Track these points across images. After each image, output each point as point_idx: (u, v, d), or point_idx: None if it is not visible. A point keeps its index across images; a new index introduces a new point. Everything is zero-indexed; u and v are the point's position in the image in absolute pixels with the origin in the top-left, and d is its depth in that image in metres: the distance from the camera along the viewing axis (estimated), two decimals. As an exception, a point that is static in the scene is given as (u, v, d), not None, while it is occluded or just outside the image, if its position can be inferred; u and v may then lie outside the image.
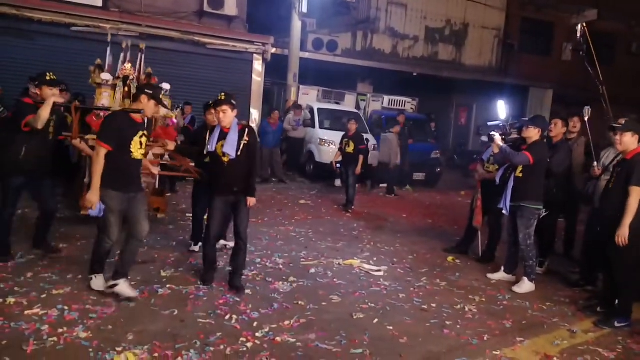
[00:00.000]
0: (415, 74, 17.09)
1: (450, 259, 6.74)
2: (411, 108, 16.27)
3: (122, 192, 4.38)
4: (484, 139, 6.82)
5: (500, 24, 19.13)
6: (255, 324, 4.24)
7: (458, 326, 4.60)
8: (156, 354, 3.61)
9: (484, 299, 5.38)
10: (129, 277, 4.62)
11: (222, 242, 6.07)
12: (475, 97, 19.12)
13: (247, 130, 4.90)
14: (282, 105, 14.26)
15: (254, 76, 13.51)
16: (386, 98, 16.14)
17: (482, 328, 4.61)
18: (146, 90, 4.53)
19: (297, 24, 13.18)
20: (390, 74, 16.55)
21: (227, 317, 4.31)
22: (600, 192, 5.32)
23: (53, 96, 5.01)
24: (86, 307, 4.25)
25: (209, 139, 5.00)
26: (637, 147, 4.81)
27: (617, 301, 4.97)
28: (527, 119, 6.42)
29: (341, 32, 16.53)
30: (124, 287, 4.46)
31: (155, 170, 5.54)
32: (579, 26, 7.01)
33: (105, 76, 6.70)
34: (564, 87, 18.12)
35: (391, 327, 4.42)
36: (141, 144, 4.49)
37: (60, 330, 3.80)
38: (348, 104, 15.44)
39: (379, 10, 17.48)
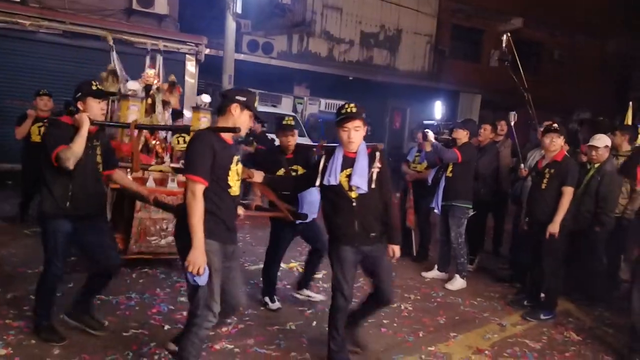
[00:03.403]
0: (351, 78, 17.28)
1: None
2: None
3: (223, 242, 3.18)
4: (420, 135, 6.97)
5: (432, 30, 19.65)
6: (191, 331, 4.14)
7: (395, 324, 4.68)
8: (85, 367, 3.46)
9: (418, 297, 5.50)
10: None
11: (306, 292, 5.12)
12: (409, 101, 19.55)
13: (377, 154, 3.75)
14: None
15: (186, 77, 13.23)
16: (323, 101, 16.27)
17: (417, 325, 4.72)
18: (237, 97, 3.23)
19: (231, 25, 13.00)
20: (326, 77, 16.67)
21: (162, 326, 4.19)
22: (527, 191, 5.55)
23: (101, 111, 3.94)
24: (6, 322, 4.00)
25: (326, 167, 3.73)
26: (562, 149, 5.09)
27: (542, 295, 5.23)
28: (459, 121, 6.65)
29: (277, 35, 16.47)
30: None
31: (241, 211, 3.70)
32: (504, 36, 7.30)
33: (133, 85, 5.59)
34: (491, 93, 18.81)
35: (329, 329, 4.43)
36: (237, 173, 3.27)
37: (-23, 348, 3.55)
38: (285, 107, 15.42)
39: (315, 13, 17.57)
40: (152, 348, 3.78)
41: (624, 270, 5.98)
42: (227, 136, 3.23)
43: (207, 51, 13.55)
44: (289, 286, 5.45)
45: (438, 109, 7.15)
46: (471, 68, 20.21)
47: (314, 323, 4.54)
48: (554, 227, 4.88)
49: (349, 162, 3.67)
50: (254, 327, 4.36)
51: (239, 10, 12.89)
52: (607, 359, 4.34)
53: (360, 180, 3.62)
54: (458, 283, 5.86)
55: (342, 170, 3.66)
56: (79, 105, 3.79)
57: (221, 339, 4.04)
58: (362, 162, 3.66)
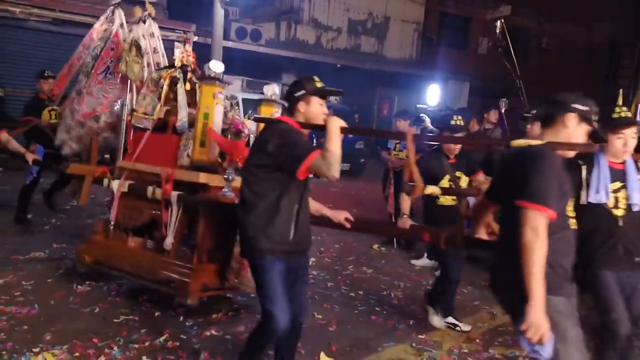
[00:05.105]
0: (339, 66, 17.24)
1: (375, 246, 6.88)
2: (335, 99, 16.45)
3: (568, 296, 2.48)
4: (399, 123, 6.97)
5: (420, 18, 19.64)
6: (181, 318, 4.13)
7: (385, 312, 4.71)
8: (77, 353, 3.44)
9: (408, 285, 5.53)
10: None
11: (451, 319, 4.45)
12: (396, 89, 19.57)
13: (639, 163, 3.27)
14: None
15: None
16: (311, 89, 16.25)
17: (407, 313, 4.75)
18: (575, 106, 2.50)
19: (219, 12, 12.89)
20: (314, 65, 16.60)
21: (152, 312, 4.18)
22: None
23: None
24: (-3, 307, 3.99)
25: (589, 180, 3.12)
26: None
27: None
28: (457, 109, 6.66)
29: (265, 22, 16.39)
30: None
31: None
32: (498, 22, 7.36)
33: (217, 66, 4.25)
34: (479, 80, 18.89)
35: (320, 316, 4.45)
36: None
37: (-31, 334, 3.55)
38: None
39: (302, 0, 17.47)
40: (143, 335, 3.78)
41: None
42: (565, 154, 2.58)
43: (196, 38, 13.48)
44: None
45: (435, 94, 7.14)
46: (459, 55, 20.27)
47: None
48: None
49: (617, 174, 3.15)
50: (245, 314, 4.36)
51: (227, -3, 12.80)
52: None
53: (638, 196, 3.11)
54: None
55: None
56: (299, 106, 2.94)
57: (211, 326, 4.03)
58: (634, 174, 3.16)
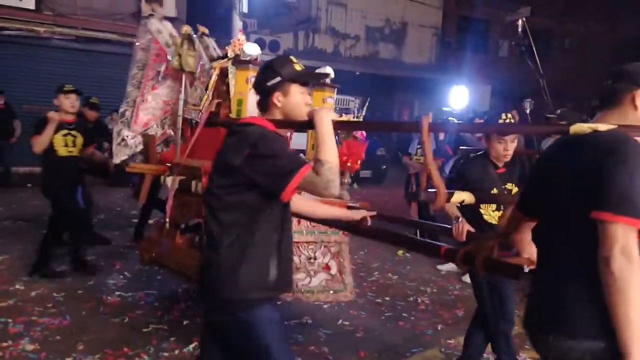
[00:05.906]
0: (357, 73, 17.28)
1: (399, 252, 6.85)
2: (355, 106, 16.50)
3: None
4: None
5: (438, 23, 19.61)
6: (210, 326, 4.17)
7: (412, 318, 4.68)
8: (108, 363, 3.51)
9: (435, 290, 5.49)
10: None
11: None
12: (416, 95, 19.53)
13: None
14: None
15: (196, 78, 13.35)
16: (330, 97, 16.35)
17: (435, 318, 4.71)
18: None
19: (238, 25, 13.06)
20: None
21: (180, 321, 4.22)
22: None
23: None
24: (31, 318, 4.08)
25: None
26: None
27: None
28: (481, 112, 6.64)
29: (283, 32, 16.52)
30: None
31: None
32: (520, 21, 7.32)
33: (252, 48, 3.76)
34: (501, 83, 18.74)
35: (347, 323, 4.45)
36: None
37: (4, 344, 3.63)
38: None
39: (320, 10, 17.59)
40: (172, 343, 3.82)
41: None
42: None
43: (216, 51, 13.65)
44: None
45: (460, 97, 7.10)
46: (479, 59, 20.15)
47: (331, 317, 4.56)
48: None
49: None
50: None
51: (245, 10, 12.98)
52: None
53: None
54: (474, 275, 5.84)
55: None
56: (275, 99, 2.21)
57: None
58: None
